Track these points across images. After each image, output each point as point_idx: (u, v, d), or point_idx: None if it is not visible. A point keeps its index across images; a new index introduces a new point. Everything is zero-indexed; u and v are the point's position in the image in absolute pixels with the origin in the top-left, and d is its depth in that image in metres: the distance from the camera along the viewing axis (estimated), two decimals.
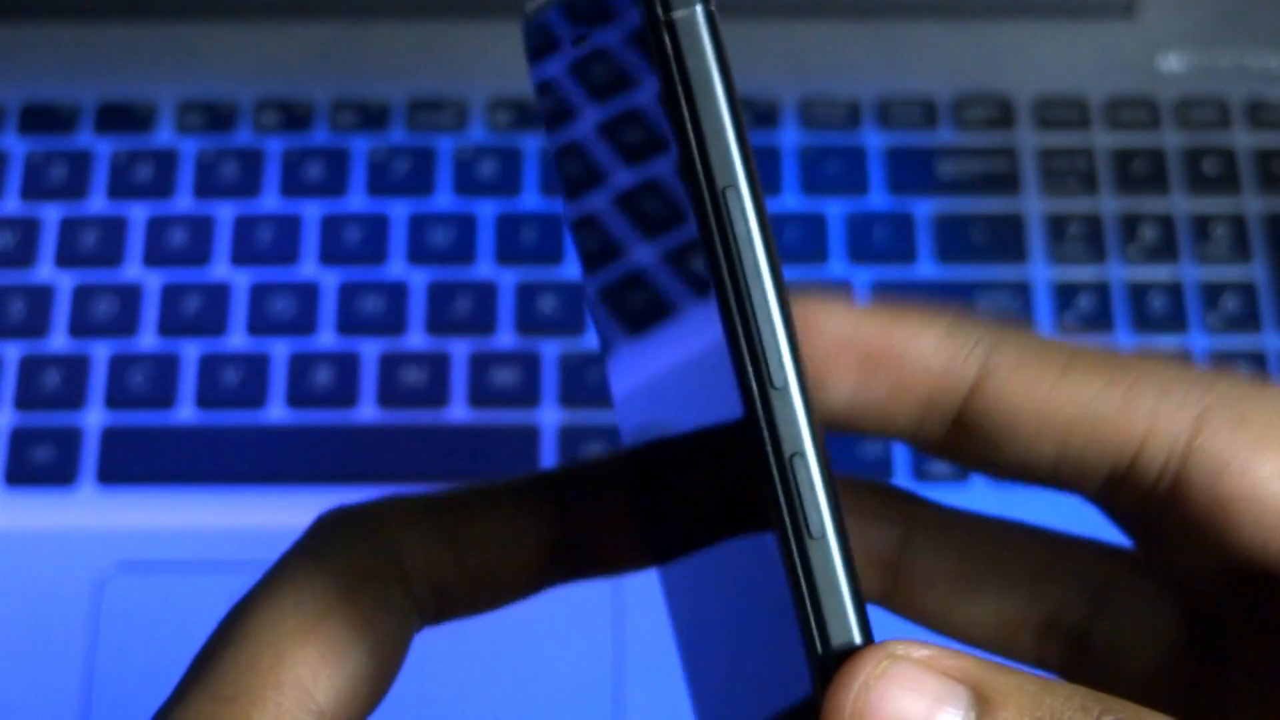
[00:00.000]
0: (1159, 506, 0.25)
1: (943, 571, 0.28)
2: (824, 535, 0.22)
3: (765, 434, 0.23)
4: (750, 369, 0.23)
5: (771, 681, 0.26)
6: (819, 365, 0.24)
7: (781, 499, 0.22)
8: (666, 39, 0.23)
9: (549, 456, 0.56)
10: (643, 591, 0.30)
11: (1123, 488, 0.25)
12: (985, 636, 0.29)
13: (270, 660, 0.25)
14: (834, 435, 0.25)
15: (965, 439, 0.26)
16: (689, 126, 0.23)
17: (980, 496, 0.54)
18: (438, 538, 0.27)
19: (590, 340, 0.59)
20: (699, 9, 0.23)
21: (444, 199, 0.62)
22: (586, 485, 0.29)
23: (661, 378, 0.27)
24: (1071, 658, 0.29)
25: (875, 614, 0.23)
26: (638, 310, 0.27)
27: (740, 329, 0.23)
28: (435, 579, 0.27)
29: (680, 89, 0.23)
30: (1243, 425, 0.24)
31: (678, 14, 0.23)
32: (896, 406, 0.25)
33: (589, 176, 0.28)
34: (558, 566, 0.28)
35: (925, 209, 0.61)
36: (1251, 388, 0.25)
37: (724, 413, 0.24)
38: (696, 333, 0.25)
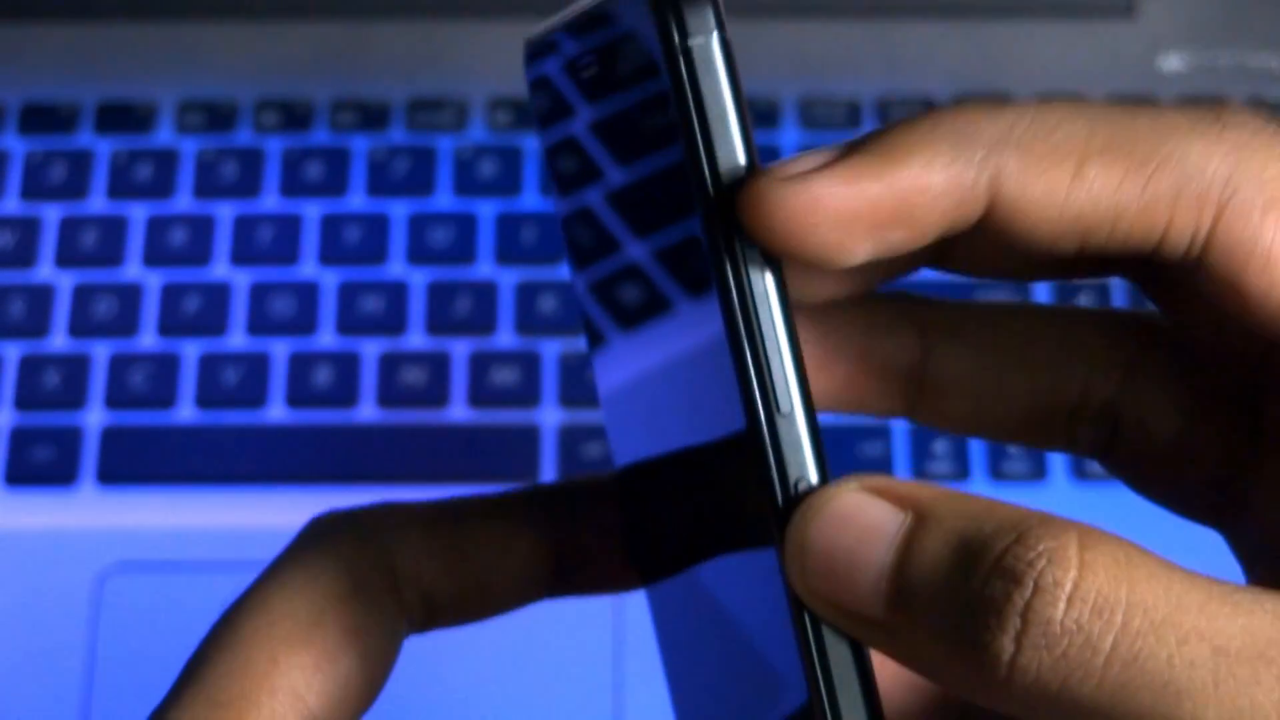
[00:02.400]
0: (1185, 287, 0.25)
1: (966, 373, 0.28)
2: (792, 410, 0.23)
3: (770, 456, 0.23)
4: (759, 396, 0.23)
5: (760, 697, 0.26)
6: (831, 238, 0.23)
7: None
8: (683, 65, 0.23)
9: (549, 456, 0.56)
10: (643, 594, 0.30)
11: (1147, 270, 0.25)
12: (1016, 431, 0.28)
13: (265, 666, 0.25)
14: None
15: (981, 249, 0.25)
16: (702, 152, 0.23)
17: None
18: (430, 547, 0.27)
19: None
20: (715, 36, 0.23)
21: (444, 199, 0.62)
22: (579, 502, 0.29)
23: (649, 376, 0.27)
24: (1102, 440, 0.28)
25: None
26: (626, 307, 0.28)
27: (749, 354, 0.23)
28: (425, 587, 0.27)
29: (694, 114, 0.23)
30: (1270, 211, 0.23)
31: (694, 41, 0.23)
32: (914, 244, 0.24)
33: (587, 184, 0.28)
34: (546, 581, 0.28)
35: None
36: None
37: (715, 417, 0.25)
38: (685, 333, 0.25)
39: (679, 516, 0.28)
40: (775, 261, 0.24)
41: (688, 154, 0.24)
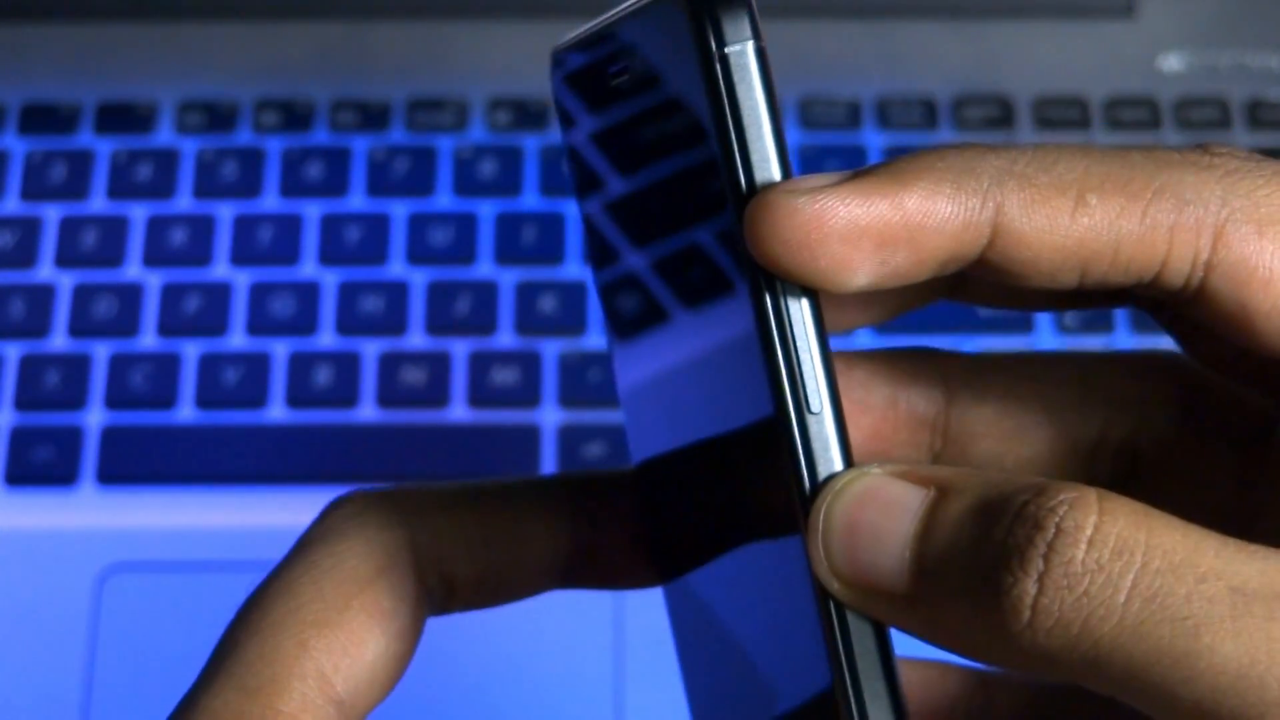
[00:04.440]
0: (1188, 311, 0.25)
1: (988, 419, 0.29)
2: (822, 409, 0.24)
3: (800, 453, 0.24)
4: (790, 395, 0.24)
5: (779, 688, 0.26)
6: (838, 255, 0.24)
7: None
8: (719, 72, 0.24)
9: (549, 456, 0.56)
10: (643, 592, 0.30)
11: (1148, 297, 0.25)
12: (1041, 473, 0.29)
13: (294, 650, 0.26)
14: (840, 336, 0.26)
15: (979, 281, 0.26)
16: (738, 160, 0.24)
17: None
18: (452, 531, 0.27)
19: (590, 340, 0.58)
20: (750, 45, 0.24)
21: (444, 199, 0.62)
22: (598, 494, 0.29)
23: (670, 373, 0.28)
24: (1121, 475, 0.29)
25: None
26: (647, 307, 0.28)
27: (781, 355, 0.24)
28: (446, 571, 0.27)
29: (730, 121, 0.24)
30: (1266, 231, 0.24)
31: (730, 49, 0.24)
32: (917, 271, 0.25)
33: (613, 186, 0.28)
34: (561, 571, 0.29)
35: None
36: (1276, 185, 0.24)
37: (736, 412, 0.25)
38: (709, 330, 0.26)
39: (698, 511, 0.28)
40: None
41: (723, 161, 0.24)
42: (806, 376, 0.24)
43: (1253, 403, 0.28)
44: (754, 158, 0.24)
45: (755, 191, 0.24)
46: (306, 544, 0.27)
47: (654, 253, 0.27)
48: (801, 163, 0.62)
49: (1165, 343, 0.29)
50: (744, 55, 0.24)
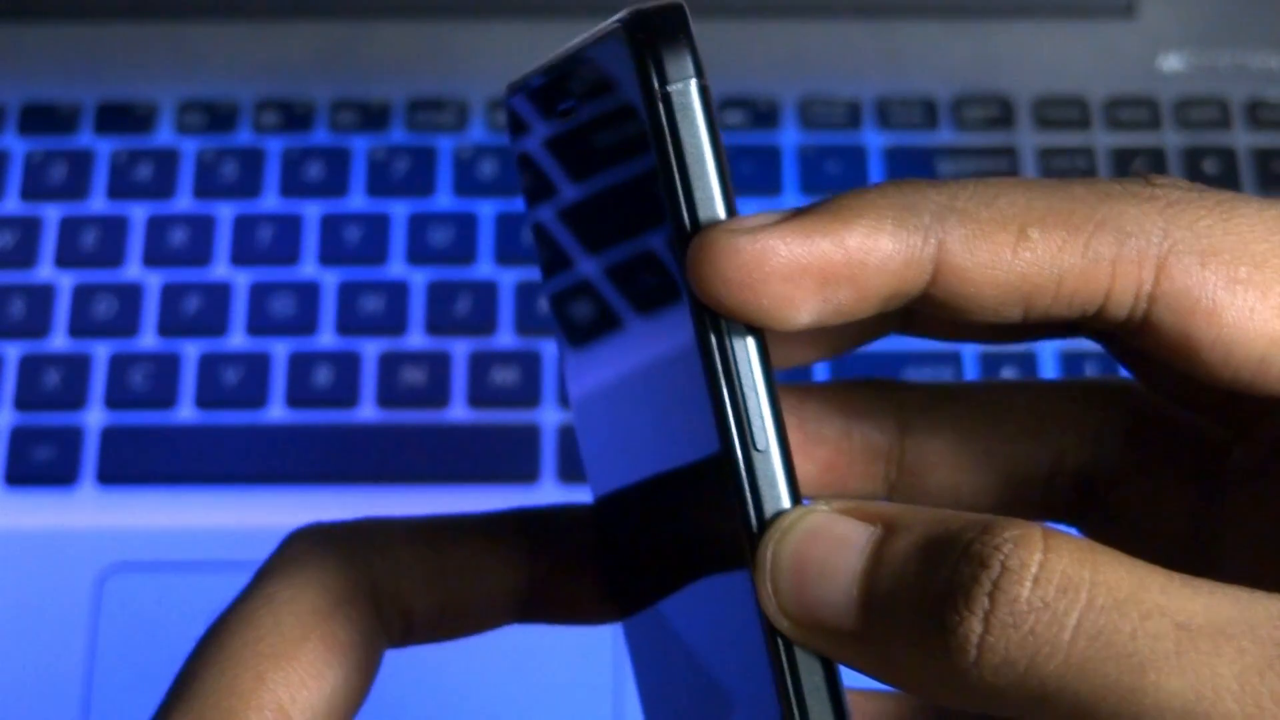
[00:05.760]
0: (1134, 342, 0.25)
1: (942, 450, 0.29)
2: (768, 447, 0.24)
3: (747, 491, 0.24)
4: (735, 434, 0.24)
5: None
6: (780, 293, 0.24)
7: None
8: (661, 110, 0.24)
9: (549, 456, 0.56)
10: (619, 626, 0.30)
11: (1094, 328, 0.26)
12: (996, 502, 0.29)
13: (251, 683, 0.26)
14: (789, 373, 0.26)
15: (927, 315, 0.26)
16: (680, 196, 0.24)
17: None
18: (410, 566, 0.28)
19: None
20: (693, 83, 0.24)
21: (444, 199, 0.62)
22: (556, 530, 0.29)
23: (616, 400, 0.28)
24: (1077, 505, 0.29)
25: None
26: (595, 317, 0.28)
27: (726, 395, 0.24)
28: (404, 604, 0.28)
29: (673, 158, 0.24)
30: (1208, 262, 0.24)
31: (673, 87, 0.24)
32: (860, 308, 0.25)
33: (561, 206, 0.29)
34: (519, 606, 0.29)
35: None
36: (1218, 215, 0.24)
37: (687, 443, 0.25)
38: (660, 359, 0.26)
39: (652, 543, 0.28)
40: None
41: (666, 199, 0.24)
42: (752, 414, 0.24)
43: (1206, 431, 0.28)
44: (697, 195, 0.24)
45: (698, 230, 0.24)
46: (265, 576, 0.27)
47: (601, 282, 0.28)
48: (801, 163, 0.62)
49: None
50: (686, 94, 0.24)
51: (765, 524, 0.24)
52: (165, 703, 0.26)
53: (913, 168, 0.62)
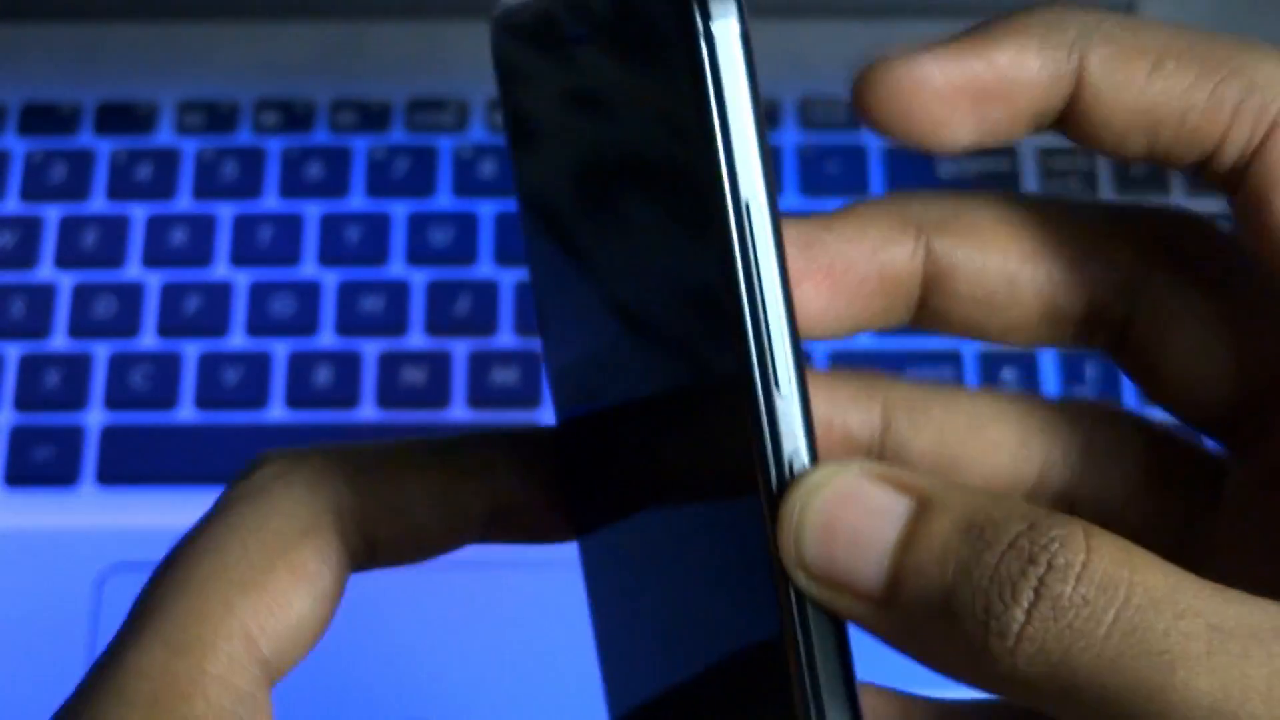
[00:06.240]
0: (1233, 202, 0.26)
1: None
2: (791, 392, 0.23)
3: (766, 432, 0.23)
4: (758, 374, 0.23)
5: (709, 660, 0.26)
6: (937, 115, 0.25)
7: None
8: (703, 47, 0.23)
9: None
10: (577, 549, 0.30)
11: (1203, 176, 0.26)
12: None
13: (220, 610, 0.26)
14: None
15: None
16: (719, 137, 0.23)
17: None
18: (376, 492, 0.28)
19: None
20: (735, 20, 0.24)
21: (444, 199, 0.62)
22: (519, 450, 0.29)
23: (601, 321, 0.27)
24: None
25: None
26: (581, 249, 0.28)
27: (751, 335, 0.23)
28: (369, 531, 0.28)
29: (714, 98, 0.23)
30: None
31: (715, 24, 0.23)
32: (1014, 129, 0.26)
33: (553, 176, 0.28)
34: (482, 526, 0.29)
35: None
36: None
37: (679, 379, 0.25)
38: (648, 290, 0.25)
39: (622, 471, 0.28)
40: (779, 244, 0.24)
41: (700, 139, 0.23)
42: (777, 353, 0.23)
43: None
44: (736, 139, 0.23)
45: (733, 159, 0.23)
46: (230, 502, 0.27)
47: (597, 202, 0.27)
48: (801, 163, 0.62)
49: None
50: (729, 31, 0.24)
51: (784, 473, 0.23)
52: (129, 624, 0.26)
53: (913, 168, 0.62)
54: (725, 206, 0.23)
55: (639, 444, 0.27)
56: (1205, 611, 0.22)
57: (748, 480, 0.24)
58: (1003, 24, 0.26)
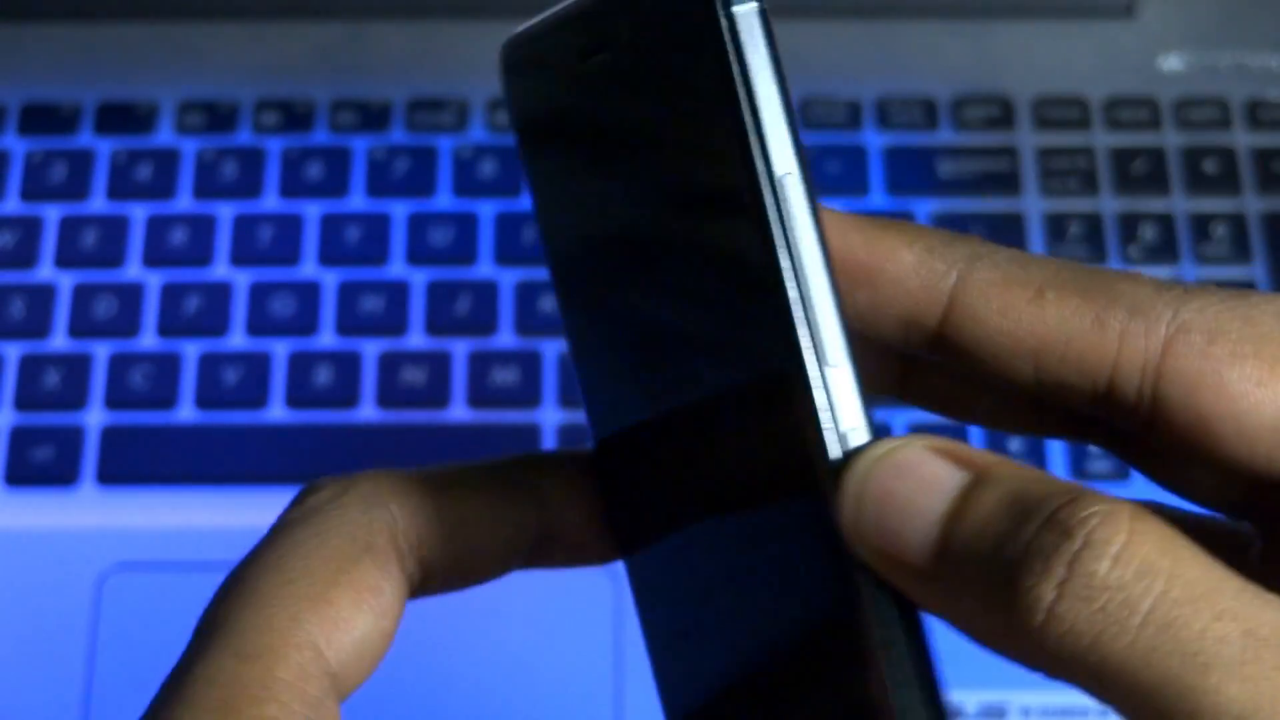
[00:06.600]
0: (1145, 427, 0.26)
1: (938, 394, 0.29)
2: (842, 362, 0.24)
3: (823, 404, 0.24)
4: (810, 345, 0.23)
5: (769, 659, 0.26)
6: None
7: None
8: (726, 31, 0.23)
9: None
10: (625, 566, 0.30)
11: (1106, 406, 0.26)
12: None
13: (287, 622, 0.26)
14: None
15: (948, 352, 0.27)
16: (748, 116, 0.24)
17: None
18: (428, 516, 0.28)
19: None
20: (756, 4, 0.24)
21: (444, 199, 0.62)
22: (565, 473, 0.29)
23: (635, 305, 0.27)
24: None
25: None
26: (617, 268, 0.28)
27: (795, 307, 0.23)
28: (424, 554, 0.28)
29: (740, 79, 0.23)
30: (1215, 340, 0.24)
31: (738, 9, 0.24)
32: (878, 320, 0.26)
33: (576, 185, 0.28)
34: (528, 551, 0.29)
35: (925, 209, 0.61)
36: (1227, 302, 0.25)
37: (718, 375, 0.25)
38: (685, 296, 0.26)
39: (669, 478, 0.28)
40: (819, 224, 0.24)
41: (729, 126, 0.24)
42: (825, 329, 0.24)
43: (1221, 527, 0.28)
44: (766, 116, 0.24)
45: (769, 154, 0.23)
46: (287, 525, 0.28)
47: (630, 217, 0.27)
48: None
49: None
50: (751, 15, 0.24)
51: (841, 445, 0.24)
52: (195, 641, 0.26)
53: (913, 168, 0.62)
54: (758, 180, 0.24)
55: (690, 451, 0.27)
56: (1243, 616, 0.22)
57: (803, 467, 0.24)
58: (903, 222, 0.26)
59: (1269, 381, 0.24)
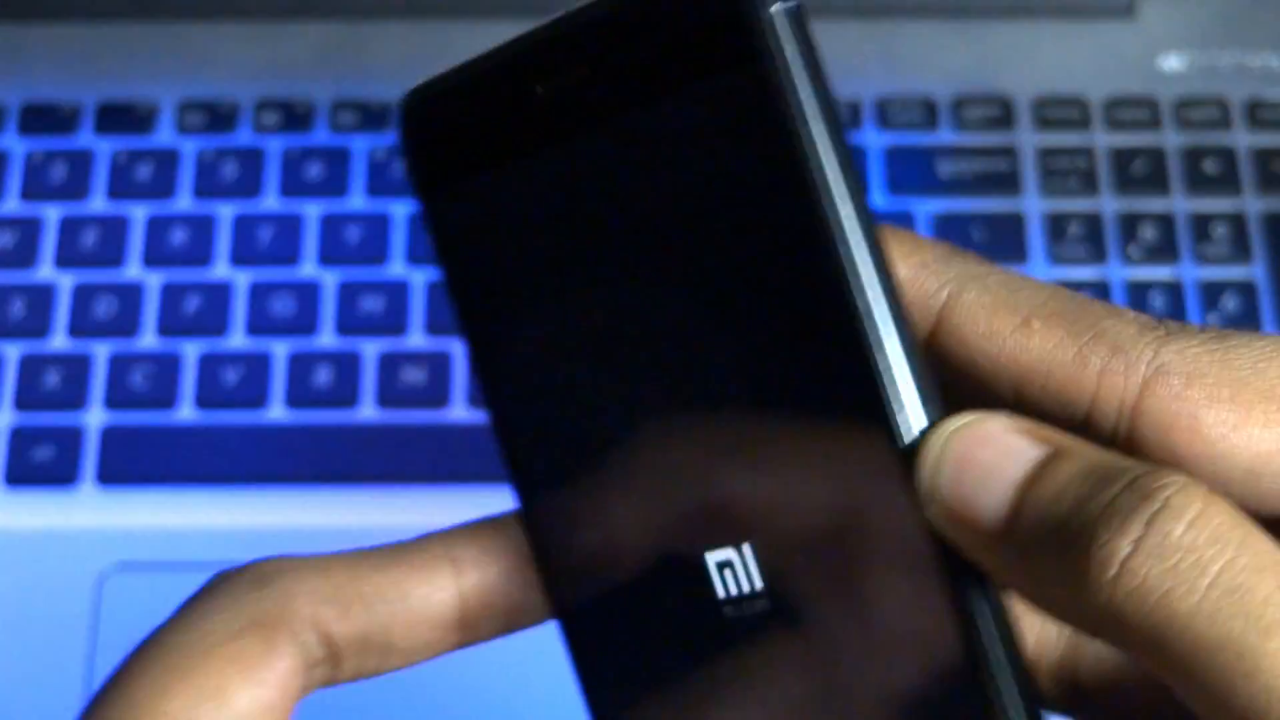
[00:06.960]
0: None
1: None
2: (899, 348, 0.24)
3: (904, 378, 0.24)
4: (871, 349, 0.24)
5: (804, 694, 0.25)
6: None
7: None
8: (767, 33, 0.24)
9: None
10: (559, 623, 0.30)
11: (1085, 436, 0.26)
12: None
13: (151, 696, 0.27)
14: None
15: (935, 363, 0.27)
16: (792, 108, 0.24)
17: None
18: (327, 592, 0.28)
19: None
20: (794, 4, 0.24)
21: None
22: (481, 539, 0.29)
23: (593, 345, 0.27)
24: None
25: None
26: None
27: (854, 308, 0.24)
28: (324, 630, 0.28)
29: (783, 80, 0.24)
30: (1192, 383, 0.25)
31: (775, 9, 0.24)
32: None
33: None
34: (460, 625, 0.28)
35: (925, 208, 0.61)
36: (1207, 344, 0.25)
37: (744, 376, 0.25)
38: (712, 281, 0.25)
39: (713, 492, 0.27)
40: (866, 204, 0.24)
41: (773, 110, 0.23)
42: (872, 302, 0.24)
43: None
44: (808, 109, 0.24)
45: (815, 148, 0.24)
46: (181, 607, 0.28)
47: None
48: None
49: None
50: (790, 14, 0.24)
51: (937, 419, 0.24)
52: (91, 707, 0.28)
53: (913, 168, 0.62)
54: (810, 184, 0.24)
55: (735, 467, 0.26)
56: None
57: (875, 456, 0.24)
58: (904, 233, 0.26)
59: (1243, 425, 0.25)
